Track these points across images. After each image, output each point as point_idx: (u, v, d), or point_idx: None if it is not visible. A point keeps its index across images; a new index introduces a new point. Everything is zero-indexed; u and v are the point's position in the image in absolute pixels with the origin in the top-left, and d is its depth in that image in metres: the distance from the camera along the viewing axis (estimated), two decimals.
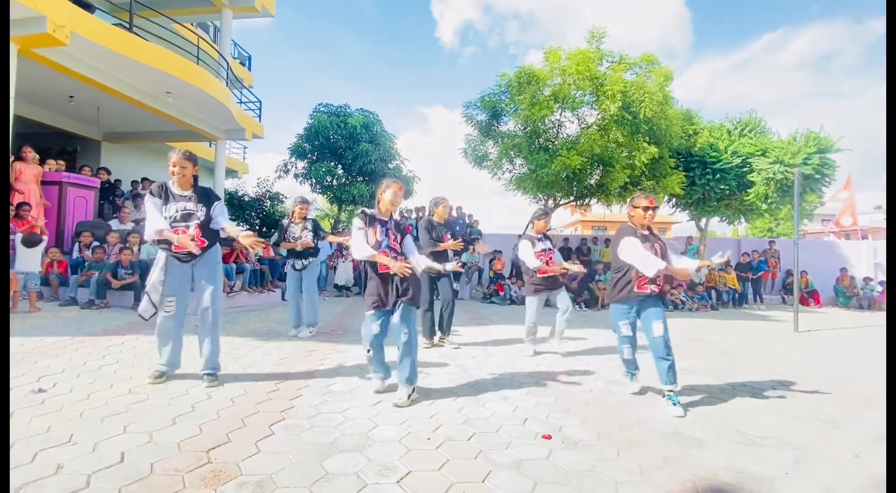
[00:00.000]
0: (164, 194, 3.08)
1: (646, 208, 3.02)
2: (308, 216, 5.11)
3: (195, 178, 3.18)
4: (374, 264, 3.01)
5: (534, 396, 3.19)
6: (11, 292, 5.58)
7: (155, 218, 3.02)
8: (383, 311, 3.01)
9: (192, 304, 3.24)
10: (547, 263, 4.55)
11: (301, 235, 4.95)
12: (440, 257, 4.50)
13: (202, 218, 3.08)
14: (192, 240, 3.00)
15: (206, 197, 3.15)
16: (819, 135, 9.85)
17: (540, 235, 4.69)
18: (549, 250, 4.64)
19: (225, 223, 3.15)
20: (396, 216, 3.17)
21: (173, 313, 3.09)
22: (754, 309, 10.31)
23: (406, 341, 2.94)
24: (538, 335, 4.72)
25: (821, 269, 11.99)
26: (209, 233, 3.13)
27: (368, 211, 3.08)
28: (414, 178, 13.61)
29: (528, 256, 4.49)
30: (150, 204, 3.04)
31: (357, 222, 3.03)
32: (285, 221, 5.11)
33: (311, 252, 5.05)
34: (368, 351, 3.02)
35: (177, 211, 3.05)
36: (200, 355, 3.22)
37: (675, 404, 2.92)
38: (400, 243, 3.08)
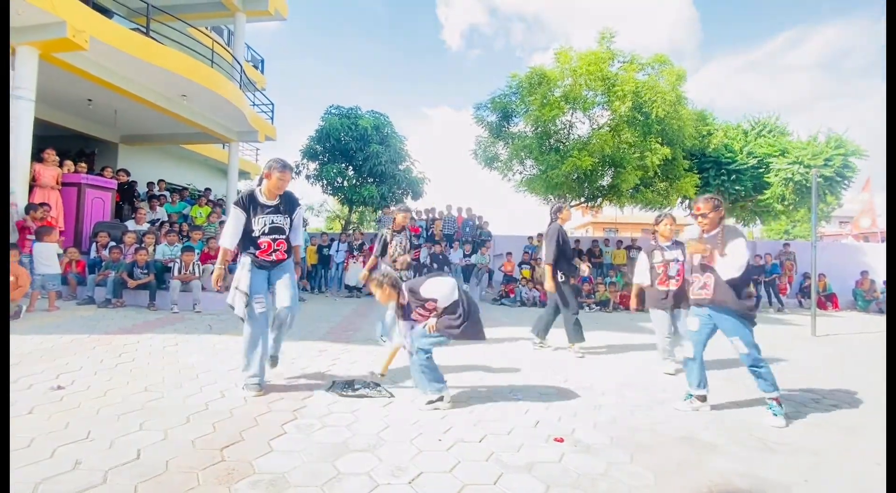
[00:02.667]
0: (251, 205, 3.02)
1: (694, 215, 3.05)
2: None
3: None
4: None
5: (546, 398, 3.17)
6: (25, 290, 5.70)
7: (230, 231, 3.02)
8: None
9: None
10: (676, 275, 3.96)
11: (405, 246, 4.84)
12: (570, 266, 4.62)
13: (287, 231, 3.12)
14: (273, 254, 3.07)
15: (290, 205, 3.13)
16: (842, 137, 9.66)
17: (668, 243, 4.09)
18: (679, 260, 3.96)
19: (299, 240, 3.23)
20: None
21: (265, 309, 3.08)
22: (769, 312, 10.12)
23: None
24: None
25: (838, 272, 11.73)
26: (290, 245, 3.18)
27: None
28: (424, 179, 13.65)
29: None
30: (232, 217, 3.02)
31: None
32: (386, 232, 4.76)
33: (410, 265, 4.87)
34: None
35: (265, 224, 3.03)
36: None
37: (775, 415, 2.83)
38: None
